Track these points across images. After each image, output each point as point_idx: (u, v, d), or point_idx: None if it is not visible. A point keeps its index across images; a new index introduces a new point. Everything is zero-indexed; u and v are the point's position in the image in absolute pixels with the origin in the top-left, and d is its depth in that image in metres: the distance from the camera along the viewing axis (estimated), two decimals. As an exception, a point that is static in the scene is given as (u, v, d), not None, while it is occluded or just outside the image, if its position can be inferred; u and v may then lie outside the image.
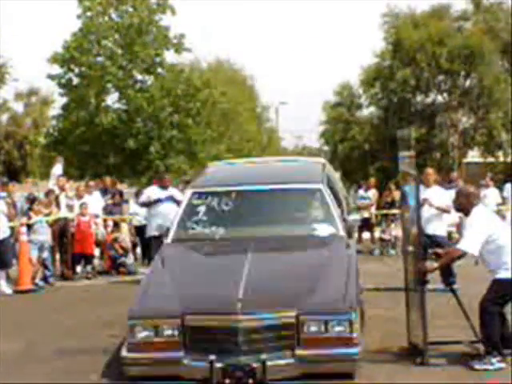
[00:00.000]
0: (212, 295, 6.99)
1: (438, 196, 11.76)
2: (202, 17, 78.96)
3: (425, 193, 10.99)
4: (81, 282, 14.62)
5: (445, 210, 11.69)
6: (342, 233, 8.29)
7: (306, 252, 8.18)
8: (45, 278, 13.86)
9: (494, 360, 6.97)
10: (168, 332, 6.72)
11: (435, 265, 7.47)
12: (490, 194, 18.96)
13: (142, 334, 6.77)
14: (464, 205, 7.34)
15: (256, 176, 9.50)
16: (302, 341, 6.59)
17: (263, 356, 6.50)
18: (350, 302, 6.75)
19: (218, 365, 6.48)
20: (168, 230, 8.76)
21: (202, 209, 8.70)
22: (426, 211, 11.01)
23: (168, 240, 8.52)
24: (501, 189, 20.69)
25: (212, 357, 6.47)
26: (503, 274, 7.05)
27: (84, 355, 7.94)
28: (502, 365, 6.97)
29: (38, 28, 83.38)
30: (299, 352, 6.57)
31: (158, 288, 7.32)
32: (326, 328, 6.58)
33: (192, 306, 6.83)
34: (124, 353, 6.86)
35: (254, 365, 6.47)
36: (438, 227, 11.76)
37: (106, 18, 29.20)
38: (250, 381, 6.46)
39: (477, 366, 6.99)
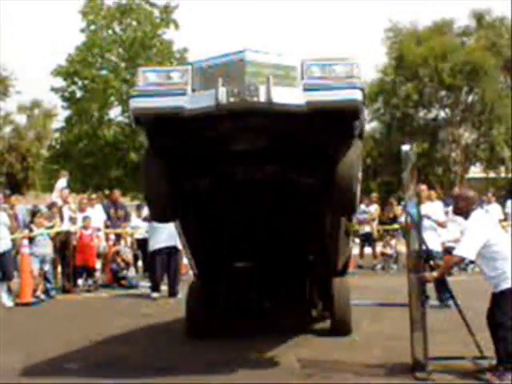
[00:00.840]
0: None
1: (432, 212, 11.76)
2: (204, 30, 79.14)
3: (423, 209, 10.99)
4: (82, 295, 14.60)
5: (441, 225, 11.68)
6: None
7: None
8: (46, 291, 13.84)
9: (509, 376, 6.82)
10: (177, 77, 6.77)
11: (434, 274, 7.45)
12: (493, 210, 18.92)
13: (153, 77, 6.82)
14: (463, 208, 7.28)
15: None
16: (307, 78, 6.63)
17: (269, 79, 6.43)
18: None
19: (223, 88, 6.43)
20: None
21: None
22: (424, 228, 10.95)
23: None
24: (503, 205, 20.69)
25: (219, 79, 6.46)
26: (504, 286, 6.97)
27: (84, 369, 7.90)
28: None
29: (42, 41, 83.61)
30: (305, 81, 6.61)
31: None
32: (329, 70, 6.68)
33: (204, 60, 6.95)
34: (134, 93, 6.92)
35: (260, 86, 6.42)
36: (432, 241, 11.66)
37: (110, 32, 29.33)
38: (255, 99, 6.37)
39: (495, 381, 6.88)
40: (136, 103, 6.81)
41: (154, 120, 6.92)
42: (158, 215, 7.82)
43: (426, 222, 11.37)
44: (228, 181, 7.74)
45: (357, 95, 6.60)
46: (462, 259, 7.29)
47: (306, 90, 6.56)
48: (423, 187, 12.38)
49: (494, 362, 7.14)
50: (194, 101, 6.61)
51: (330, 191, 7.18)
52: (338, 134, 6.96)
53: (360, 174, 7.33)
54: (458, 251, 7.12)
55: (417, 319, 7.54)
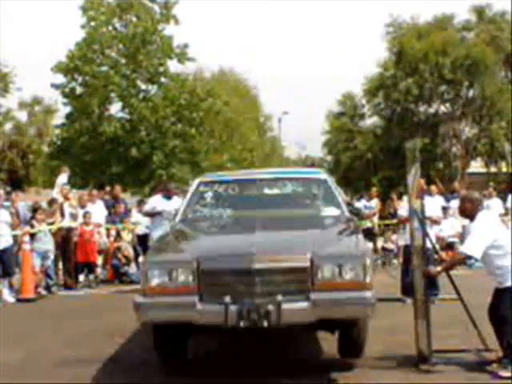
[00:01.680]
0: (227, 244, 7.18)
1: (427, 208, 11.79)
2: (205, 26, 79.12)
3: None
4: (83, 291, 14.62)
5: (435, 221, 11.71)
6: (348, 214, 8.49)
7: (314, 222, 8.35)
8: (47, 287, 13.87)
9: None
10: (182, 277, 6.71)
11: (438, 269, 7.53)
12: (493, 205, 18.91)
13: (156, 279, 6.77)
14: (469, 210, 7.43)
15: (260, 173, 9.79)
16: (317, 285, 6.56)
17: (278, 298, 6.43)
18: (363, 249, 6.90)
19: (233, 307, 6.45)
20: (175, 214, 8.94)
21: (209, 195, 8.95)
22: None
23: (176, 220, 8.68)
24: (504, 199, 20.67)
25: (227, 299, 6.45)
26: (509, 282, 7.11)
27: (85, 365, 7.90)
28: None
29: (42, 38, 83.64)
30: (314, 296, 6.52)
31: (172, 244, 7.49)
32: (340, 272, 6.58)
33: (207, 251, 6.92)
34: (138, 299, 6.87)
35: (269, 307, 6.42)
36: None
37: (110, 28, 29.33)
38: (265, 323, 6.41)
39: (503, 374, 7.01)
40: (147, 315, 6.92)
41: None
42: None
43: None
44: None
45: (367, 311, 6.69)
46: (468, 257, 7.40)
47: (315, 305, 6.53)
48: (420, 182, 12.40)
49: (499, 354, 7.27)
50: (203, 316, 6.60)
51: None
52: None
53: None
54: (465, 249, 7.27)
55: (421, 312, 7.60)
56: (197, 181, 9.29)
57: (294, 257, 6.68)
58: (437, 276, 7.59)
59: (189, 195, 9.03)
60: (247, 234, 7.29)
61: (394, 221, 18.29)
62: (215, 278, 6.64)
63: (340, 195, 8.88)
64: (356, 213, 8.77)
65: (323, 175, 9.26)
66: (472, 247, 7.18)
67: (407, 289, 11.44)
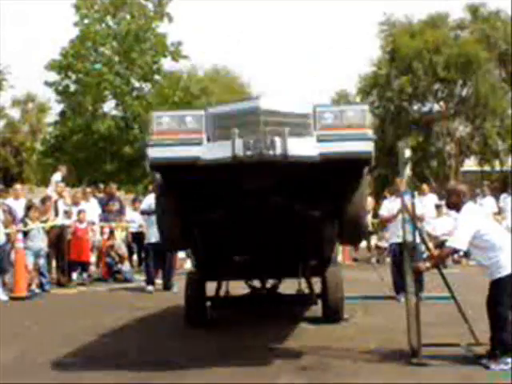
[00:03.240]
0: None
1: (417, 206, 11.88)
2: (198, 23, 79.01)
3: (395, 204, 11.45)
4: (77, 288, 14.59)
5: (419, 219, 11.80)
6: None
7: None
8: (41, 285, 13.83)
9: (508, 360, 7.08)
10: (191, 124, 6.92)
11: (428, 264, 7.56)
12: (487, 203, 18.93)
13: (165, 125, 6.95)
14: (455, 202, 7.51)
15: None
16: (320, 127, 6.84)
17: (284, 131, 6.56)
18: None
19: (240, 139, 6.56)
20: None
21: None
22: (398, 223, 11.00)
23: None
24: (497, 198, 20.68)
25: (235, 130, 6.57)
26: (498, 275, 7.18)
27: (78, 363, 7.88)
28: None
29: (36, 35, 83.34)
30: (318, 133, 6.79)
31: None
32: (341, 117, 6.86)
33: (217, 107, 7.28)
34: (150, 142, 6.99)
35: (275, 138, 6.52)
36: (410, 235, 11.86)
37: (103, 26, 29.29)
38: (271, 152, 6.50)
39: (493, 367, 7.09)
40: (153, 153, 6.96)
41: (170, 167, 7.11)
42: (170, 245, 8.61)
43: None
44: (238, 212, 7.97)
45: (370, 147, 6.83)
46: (455, 250, 7.53)
47: (319, 140, 6.75)
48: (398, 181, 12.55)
49: (489, 348, 7.37)
50: (209, 151, 6.78)
51: (339, 223, 7.87)
52: (349, 177, 7.39)
53: (367, 204, 7.72)
54: (450, 243, 7.36)
55: (411, 308, 7.68)
56: None
57: (299, 105, 7.01)
58: (426, 272, 7.66)
59: None
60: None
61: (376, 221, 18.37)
62: (222, 121, 6.87)
63: None
64: None
65: None
66: (457, 240, 7.26)
67: (397, 287, 11.58)
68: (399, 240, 10.94)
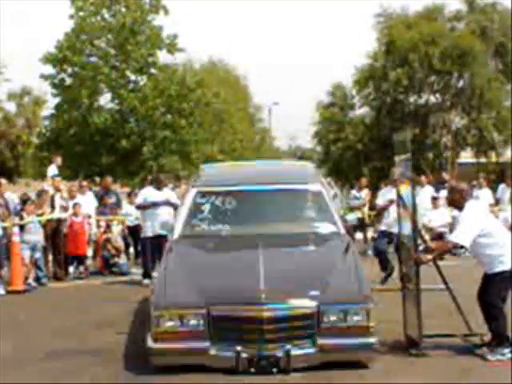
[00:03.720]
0: (235, 287, 7.18)
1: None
2: (194, 16, 78.90)
3: (391, 194, 11.47)
4: (73, 282, 14.58)
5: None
6: (343, 231, 8.61)
7: (312, 248, 8.57)
8: (37, 279, 13.82)
9: (505, 351, 7.29)
10: (193, 322, 6.92)
11: (429, 257, 7.71)
12: (483, 195, 18.97)
13: (167, 324, 6.94)
14: (457, 200, 7.73)
15: (256, 176, 9.59)
16: (323, 330, 6.87)
17: (287, 346, 6.76)
18: (366, 292, 7.11)
19: (244, 355, 6.74)
20: (172, 228, 9.07)
21: (207, 207, 8.92)
22: (394, 211, 11.04)
23: (175, 236, 8.70)
24: (493, 189, 20.72)
25: (238, 347, 6.73)
26: (499, 268, 7.38)
27: (75, 356, 7.90)
28: (510, 355, 7.26)
29: (31, 28, 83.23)
30: (320, 342, 6.84)
31: (178, 281, 7.43)
32: (345, 317, 6.89)
33: (216, 296, 7.04)
34: (150, 343, 7.02)
35: (279, 354, 6.75)
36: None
37: (99, 18, 29.20)
38: (274, 369, 6.76)
39: (490, 357, 7.27)
40: (159, 362, 7.08)
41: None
42: None
43: (392, 207, 11.73)
44: None
45: (370, 355, 7.05)
46: (457, 245, 7.78)
47: (321, 351, 6.87)
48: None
49: (485, 338, 7.62)
50: (215, 361, 6.88)
51: None
52: None
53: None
54: (453, 237, 7.56)
55: (411, 299, 7.82)
56: (194, 190, 9.14)
57: (303, 304, 6.95)
58: (428, 263, 7.72)
59: (186, 206, 8.97)
60: (252, 266, 7.32)
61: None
62: (226, 324, 6.93)
63: (334, 209, 8.99)
64: (347, 227, 9.08)
65: (318, 186, 9.20)
66: (461, 236, 7.44)
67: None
68: (395, 231, 11.10)
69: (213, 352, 6.85)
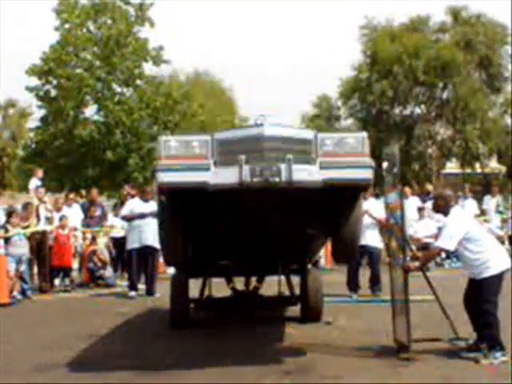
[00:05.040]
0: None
1: (375, 208, 12.49)
2: (179, 27, 78.97)
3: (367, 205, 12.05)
4: (59, 295, 14.51)
5: (381, 222, 12.17)
6: None
7: None
8: (22, 292, 13.73)
9: (497, 354, 7.44)
10: (198, 149, 7.14)
11: (417, 264, 7.94)
12: (468, 205, 19.03)
13: (174, 147, 7.17)
14: (443, 207, 7.97)
15: None
16: (322, 154, 7.10)
17: (289, 157, 6.85)
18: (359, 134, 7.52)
19: (246, 166, 6.83)
20: None
21: None
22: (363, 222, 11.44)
23: None
24: (479, 200, 20.80)
25: (241, 157, 6.85)
26: (487, 273, 7.54)
27: (61, 369, 7.84)
28: (505, 358, 7.43)
29: (17, 40, 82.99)
30: (320, 159, 7.06)
31: None
32: (342, 144, 7.17)
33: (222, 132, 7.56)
34: (159, 166, 7.18)
35: (281, 165, 6.85)
36: (371, 238, 12.72)
37: (84, 30, 29.19)
38: (277, 179, 6.83)
39: (483, 362, 7.41)
40: (162, 178, 7.15)
41: (178, 190, 7.31)
42: (170, 260, 8.77)
43: (366, 219, 12.16)
44: (236, 228, 8.38)
45: (369, 175, 7.11)
46: (442, 250, 8.05)
47: (322, 167, 7.02)
48: None
49: (471, 341, 7.81)
50: (217, 177, 7.01)
51: (333, 242, 8.29)
52: (347, 201, 7.75)
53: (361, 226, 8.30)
54: (439, 243, 7.76)
55: (400, 308, 7.97)
56: None
57: (300, 131, 7.49)
58: (417, 270, 7.92)
59: None
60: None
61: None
62: (228, 147, 7.11)
63: None
64: None
65: None
66: (446, 241, 7.65)
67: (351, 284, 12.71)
68: (363, 242, 11.40)
69: (215, 168, 7.01)
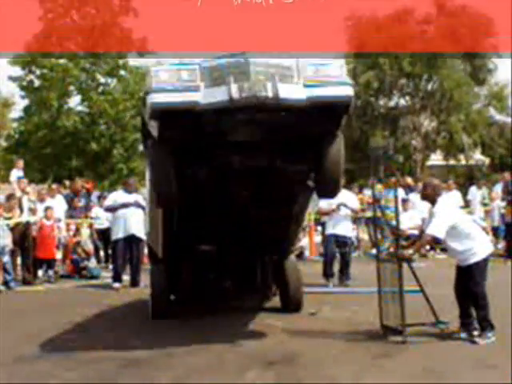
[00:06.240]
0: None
1: (349, 200, 13.25)
2: (163, 17, 78.60)
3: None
4: (42, 286, 14.45)
5: (355, 212, 13.63)
6: None
7: None
8: (5, 283, 13.68)
9: (489, 334, 7.82)
10: (187, 75, 7.33)
11: (410, 251, 8.27)
12: (452, 197, 19.05)
13: (164, 75, 7.37)
14: (431, 195, 8.18)
15: None
16: (304, 77, 7.38)
17: (275, 76, 7.15)
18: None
19: (235, 84, 7.03)
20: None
21: None
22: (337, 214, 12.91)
23: None
24: (463, 192, 20.87)
25: (230, 77, 7.08)
26: (473, 260, 7.85)
27: (44, 360, 7.80)
28: (494, 338, 7.80)
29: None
30: (303, 80, 7.37)
31: None
32: (322, 69, 7.47)
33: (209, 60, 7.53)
34: (150, 88, 7.32)
35: (267, 82, 7.07)
36: (345, 228, 13.21)
37: (68, 20, 29.02)
38: (263, 93, 7.00)
39: (480, 341, 7.77)
40: (155, 98, 7.29)
41: (169, 113, 7.37)
42: (165, 197, 8.35)
43: (342, 211, 12.96)
44: (224, 169, 8.39)
45: (350, 92, 7.49)
46: (434, 238, 8.13)
47: (305, 86, 7.31)
48: None
49: (454, 324, 8.15)
50: (207, 96, 7.20)
51: (317, 177, 8.33)
52: (330, 126, 7.90)
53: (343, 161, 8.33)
54: (430, 230, 7.95)
55: (390, 294, 8.26)
56: None
57: (282, 59, 7.51)
58: (411, 257, 8.28)
59: None
60: None
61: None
62: (216, 73, 7.29)
63: None
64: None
65: None
66: (436, 229, 7.87)
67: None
68: (339, 232, 13.06)
69: (206, 90, 7.18)
